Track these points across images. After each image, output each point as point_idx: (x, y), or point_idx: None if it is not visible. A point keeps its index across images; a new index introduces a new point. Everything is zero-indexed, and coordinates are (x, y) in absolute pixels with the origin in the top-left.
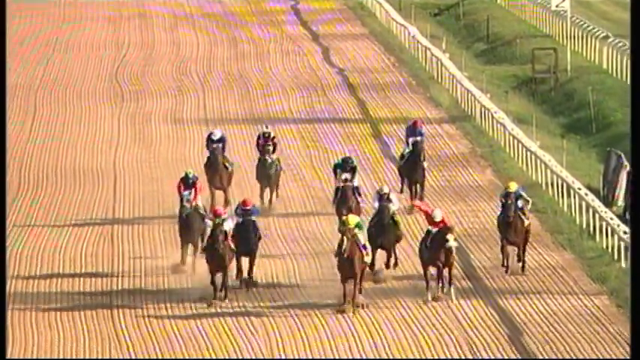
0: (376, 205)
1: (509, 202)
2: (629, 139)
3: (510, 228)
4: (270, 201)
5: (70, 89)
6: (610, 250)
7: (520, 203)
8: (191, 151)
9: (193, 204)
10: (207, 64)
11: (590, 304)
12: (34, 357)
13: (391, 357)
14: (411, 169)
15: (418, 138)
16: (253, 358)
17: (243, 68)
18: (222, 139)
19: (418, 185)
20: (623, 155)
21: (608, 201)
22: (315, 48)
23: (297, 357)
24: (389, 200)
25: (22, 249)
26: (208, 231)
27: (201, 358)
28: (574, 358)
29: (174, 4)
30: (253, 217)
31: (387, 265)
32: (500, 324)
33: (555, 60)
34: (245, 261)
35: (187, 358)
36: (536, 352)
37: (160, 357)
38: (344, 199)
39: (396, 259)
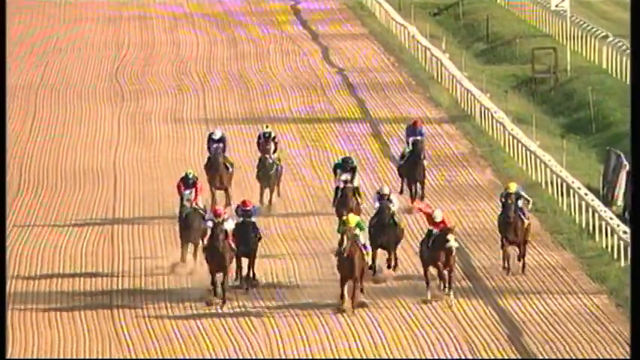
0: (376, 205)
1: (510, 202)
2: (628, 139)
3: (510, 228)
4: (270, 201)
5: (70, 89)
6: (609, 249)
7: (520, 203)
8: (191, 151)
9: (193, 204)
10: (207, 64)
11: (590, 303)
12: (34, 357)
13: (391, 357)
14: (411, 168)
15: (418, 137)
16: (253, 358)
17: (243, 68)
18: (222, 139)
19: (418, 185)
20: (622, 155)
21: (608, 200)
22: (315, 48)
23: (297, 357)
24: (389, 201)
25: (22, 249)
26: (208, 231)
27: (201, 357)
28: (574, 357)
29: (174, 4)
30: (253, 218)
31: (388, 265)
32: (500, 324)
33: (555, 60)
34: (245, 261)
35: (187, 358)
36: (536, 351)
37: (160, 356)
38: (344, 200)
39: (395, 259)
